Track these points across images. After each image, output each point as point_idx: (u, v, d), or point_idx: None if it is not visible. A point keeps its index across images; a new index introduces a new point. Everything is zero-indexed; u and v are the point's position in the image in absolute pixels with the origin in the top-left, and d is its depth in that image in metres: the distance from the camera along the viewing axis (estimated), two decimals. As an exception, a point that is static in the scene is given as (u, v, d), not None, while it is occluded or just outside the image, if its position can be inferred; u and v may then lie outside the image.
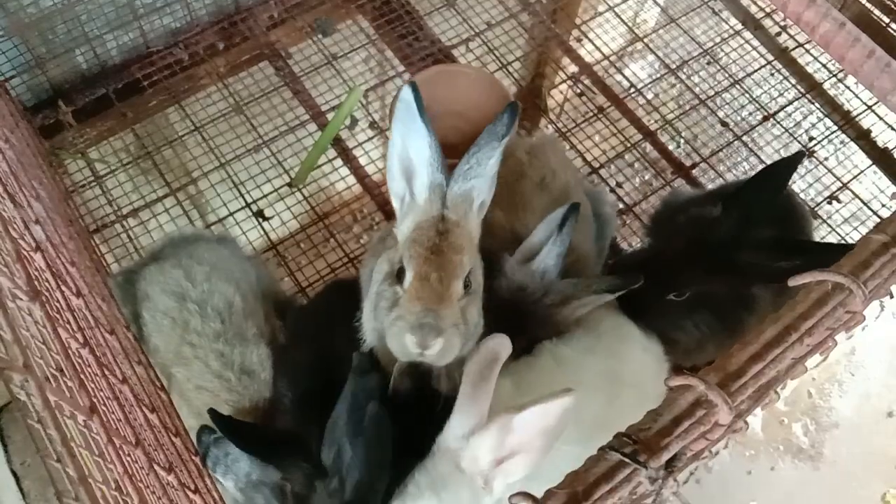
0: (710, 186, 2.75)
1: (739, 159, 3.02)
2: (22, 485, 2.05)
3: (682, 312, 1.97)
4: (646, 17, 3.33)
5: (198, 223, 2.62)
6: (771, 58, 3.12)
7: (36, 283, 1.10)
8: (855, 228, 2.72)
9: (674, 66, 3.06)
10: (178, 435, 1.51)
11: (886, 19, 2.79)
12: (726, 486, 2.63)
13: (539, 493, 0.84)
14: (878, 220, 2.67)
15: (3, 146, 1.64)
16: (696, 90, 3.02)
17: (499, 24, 3.00)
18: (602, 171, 2.77)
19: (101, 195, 2.56)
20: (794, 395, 2.82)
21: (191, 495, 1.29)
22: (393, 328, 1.49)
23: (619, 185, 2.81)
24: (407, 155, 1.56)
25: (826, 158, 2.94)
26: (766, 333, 0.97)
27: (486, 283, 1.70)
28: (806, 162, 2.92)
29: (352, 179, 2.70)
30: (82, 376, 1.07)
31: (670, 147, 2.92)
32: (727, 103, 3.06)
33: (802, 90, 3.05)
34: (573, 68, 3.03)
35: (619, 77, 3.04)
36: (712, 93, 3.02)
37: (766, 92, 3.08)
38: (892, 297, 1.21)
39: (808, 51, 3.14)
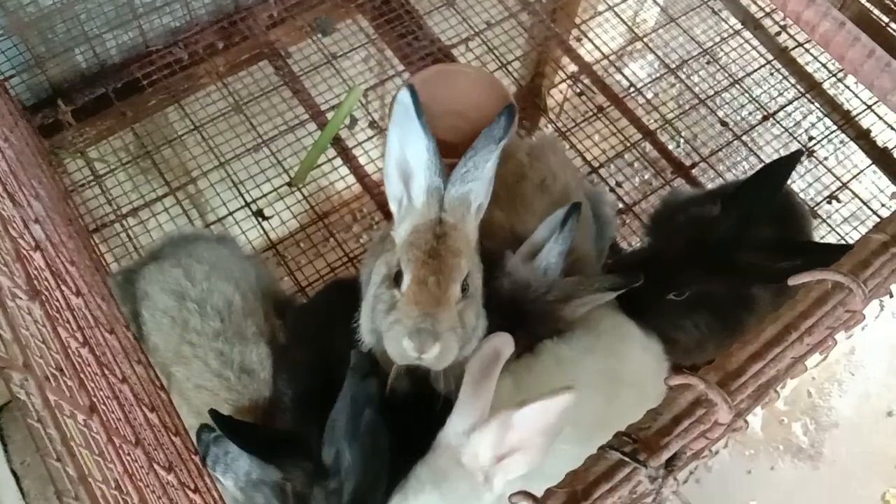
0: (709, 186, 2.75)
1: (739, 159, 3.02)
2: (22, 484, 2.05)
3: (681, 312, 1.97)
4: (645, 16, 3.33)
5: (197, 222, 2.62)
6: (770, 57, 3.11)
7: (35, 282, 1.10)
8: (855, 228, 2.72)
9: (673, 66, 3.06)
10: (178, 434, 1.51)
11: (886, 19, 2.79)
12: (726, 486, 2.63)
13: (539, 493, 0.84)
14: (877, 219, 2.68)
15: (3, 145, 1.64)
16: (696, 90, 3.02)
17: (498, 24, 3.00)
18: (602, 171, 2.77)
19: (100, 194, 2.56)
20: (794, 394, 2.82)
21: (191, 494, 1.29)
22: (390, 332, 1.49)
23: (618, 184, 2.81)
24: (404, 158, 1.56)
25: (826, 158, 2.94)
26: (766, 332, 0.97)
27: (488, 283, 1.71)
28: (805, 161, 2.92)
29: (351, 179, 2.70)
30: (82, 375, 1.07)
31: (670, 146, 2.92)
32: (727, 103, 3.06)
33: (802, 90, 3.05)
34: (573, 68, 3.03)
35: (618, 76, 3.04)
36: (712, 92, 3.02)
37: (765, 91, 3.08)
38: (891, 296, 1.21)
39: (807, 50, 3.14)
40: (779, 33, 3.20)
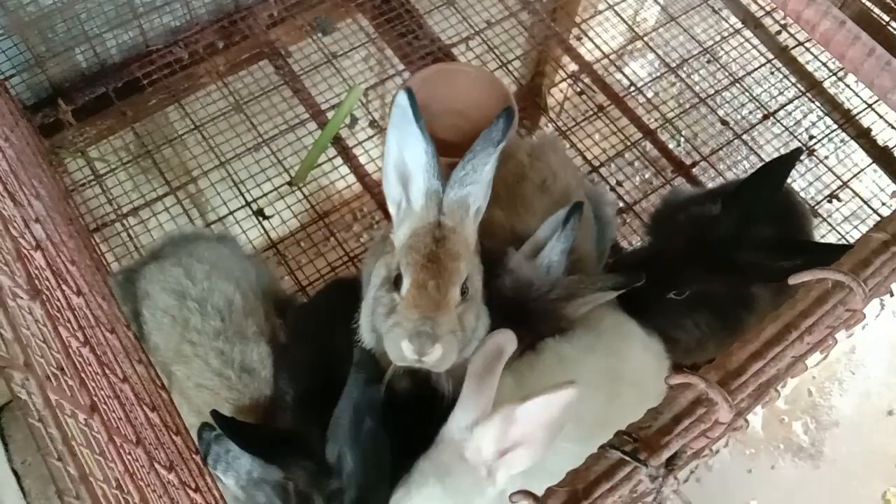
0: (710, 185, 2.75)
1: (739, 158, 3.02)
2: (23, 483, 2.05)
3: (681, 311, 1.97)
4: (646, 15, 3.32)
5: (198, 222, 2.62)
6: (771, 56, 3.11)
7: (36, 281, 1.10)
8: (855, 227, 2.72)
9: (674, 65, 3.06)
10: (179, 433, 1.52)
11: (886, 17, 2.79)
12: (727, 485, 2.63)
13: (539, 492, 0.84)
14: (878, 218, 2.68)
15: (3, 145, 1.64)
16: (696, 89, 3.01)
17: (499, 23, 3.00)
18: (602, 170, 2.77)
19: (100, 194, 2.56)
20: (795, 393, 2.82)
21: (191, 494, 1.29)
22: (390, 335, 1.49)
23: (619, 183, 2.81)
24: (403, 161, 1.56)
25: (826, 157, 2.94)
26: (767, 331, 0.97)
27: (489, 282, 1.71)
28: (806, 160, 2.92)
29: (352, 178, 2.70)
30: (83, 375, 1.07)
31: (670, 145, 2.92)
32: (727, 102, 3.06)
33: (802, 89, 3.05)
34: (573, 67, 3.03)
35: (619, 76, 3.03)
36: (712, 91, 3.02)
37: (766, 90, 3.08)
38: (892, 295, 1.21)
39: (808, 49, 3.14)
40: (779, 32, 3.20)
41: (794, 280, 1.03)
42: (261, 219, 2.58)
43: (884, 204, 2.86)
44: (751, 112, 3.05)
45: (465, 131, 2.31)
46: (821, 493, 2.67)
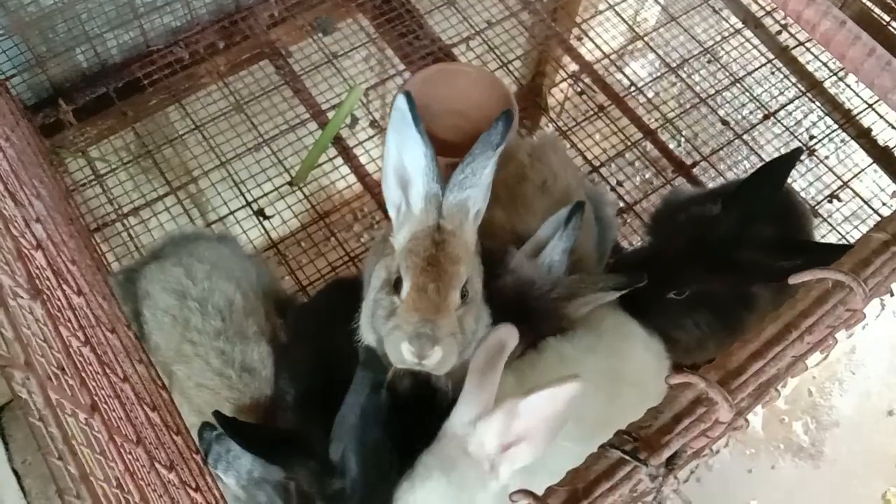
0: (710, 185, 2.75)
1: (740, 158, 3.02)
2: (23, 483, 2.05)
3: (682, 311, 1.97)
4: (646, 15, 3.33)
5: (198, 222, 2.62)
6: (771, 56, 3.11)
7: (37, 281, 1.10)
8: (855, 227, 2.72)
9: (674, 65, 3.06)
10: (179, 433, 1.52)
11: (887, 17, 2.79)
12: (727, 485, 2.63)
13: (540, 491, 0.84)
14: (878, 218, 2.68)
15: (4, 145, 1.64)
16: (697, 89, 3.01)
17: (499, 23, 3.00)
18: (602, 170, 2.77)
19: (101, 194, 2.56)
20: (795, 393, 2.82)
21: (192, 493, 1.29)
22: (390, 337, 1.50)
23: (619, 183, 2.81)
24: (402, 164, 1.56)
25: (826, 157, 2.94)
26: (767, 331, 0.97)
27: (490, 282, 1.71)
28: (806, 160, 2.92)
29: (352, 178, 2.70)
30: (83, 374, 1.07)
31: (671, 146, 2.92)
32: (728, 102, 3.06)
33: (803, 89, 3.05)
34: (573, 67, 3.03)
35: (619, 76, 3.03)
36: (713, 91, 3.02)
37: (766, 90, 3.08)
38: (892, 295, 1.21)
39: (808, 49, 3.14)
40: (779, 32, 3.20)
41: (794, 280, 1.03)
42: (261, 219, 2.58)
43: (884, 204, 2.86)
44: (751, 112, 3.05)
45: (465, 131, 2.31)
46: (821, 493, 2.67)
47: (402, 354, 1.47)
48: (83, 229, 2.34)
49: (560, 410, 1.33)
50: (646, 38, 3.13)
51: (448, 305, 1.48)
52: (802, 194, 2.74)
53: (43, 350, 1.01)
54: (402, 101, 1.52)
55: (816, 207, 2.75)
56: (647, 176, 3.01)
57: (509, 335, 1.49)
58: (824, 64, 3.13)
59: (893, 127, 2.98)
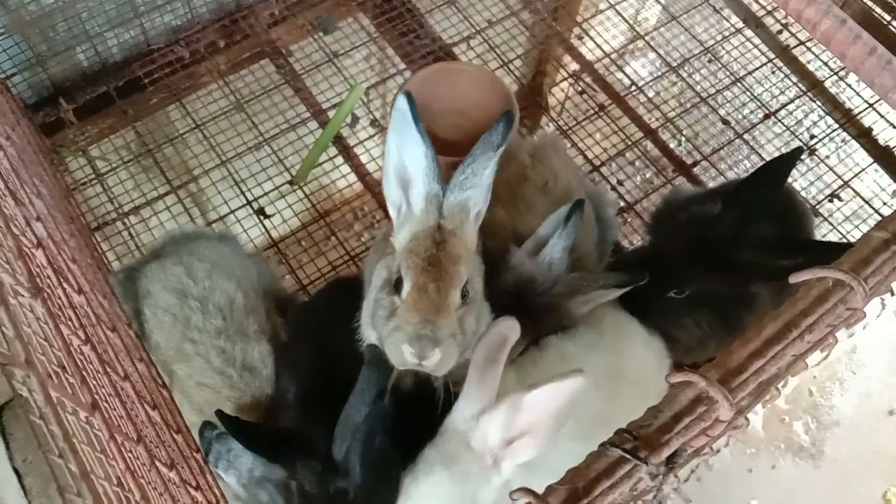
0: (711, 184, 2.74)
1: (740, 157, 3.02)
2: (24, 482, 2.05)
3: (682, 310, 1.97)
4: (647, 14, 3.32)
5: (199, 221, 2.62)
6: (772, 56, 3.11)
7: (38, 279, 1.10)
8: (856, 227, 2.72)
9: (675, 64, 3.06)
10: (180, 432, 1.51)
11: (888, 17, 2.79)
12: (727, 484, 2.64)
13: (540, 489, 0.84)
14: (879, 218, 2.67)
15: (5, 143, 1.64)
16: (698, 88, 3.01)
17: (500, 22, 3.00)
18: (603, 169, 2.77)
19: (102, 193, 2.56)
20: (796, 393, 2.82)
21: (192, 492, 1.29)
22: (391, 338, 1.50)
23: (619, 182, 2.81)
24: (403, 164, 1.56)
25: (827, 156, 2.94)
26: (767, 330, 0.97)
27: (491, 280, 1.71)
28: (807, 160, 2.92)
29: (353, 177, 2.70)
30: (84, 373, 1.07)
31: (671, 145, 2.92)
32: (728, 101, 3.06)
33: (803, 88, 3.05)
34: (574, 66, 3.03)
35: (620, 75, 3.03)
36: (713, 91, 3.02)
37: (767, 90, 3.08)
38: (893, 294, 1.22)
39: (809, 49, 3.14)
40: (780, 31, 3.20)
41: (794, 279, 1.03)
42: (262, 218, 2.58)
43: (885, 203, 2.86)
44: (752, 111, 3.05)
45: (466, 131, 2.31)
46: (821, 493, 2.67)
47: (403, 356, 1.47)
48: (84, 228, 2.34)
49: (563, 405, 1.34)
50: (646, 38, 3.13)
51: (448, 305, 1.48)
52: (803, 194, 2.74)
53: (43, 348, 1.01)
54: (402, 101, 1.52)
55: (817, 207, 2.75)
56: (647, 175, 3.01)
57: (510, 329, 1.49)
58: (825, 63, 3.13)
59: (894, 126, 2.98)
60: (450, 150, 1.96)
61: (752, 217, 1.88)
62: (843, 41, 2.17)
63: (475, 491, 1.41)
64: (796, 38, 3.16)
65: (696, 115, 2.97)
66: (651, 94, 3.00)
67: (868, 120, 3.00)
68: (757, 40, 3.15)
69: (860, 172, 2.87)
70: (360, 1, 2.99)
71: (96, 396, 1.05)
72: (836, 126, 2.97)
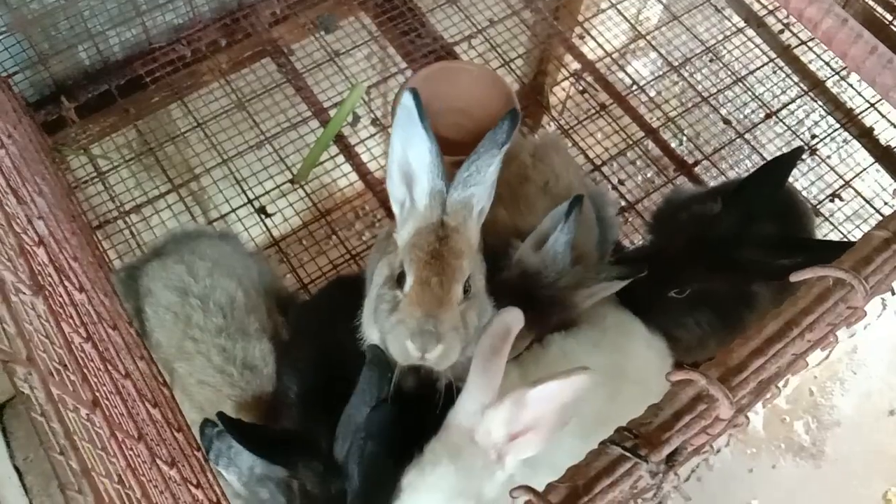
0: (712, 184, 2.74)
1: (742, 157, 3.02)
2: (25, 480, 2.06)
3: (683, 309, 1.98)
4: (648, 14, 3.32)
5: (200, 219, 2.62)
6: (773, 55, 3.11)
7: (39, 277, 1.10)
8: (857, 226, 2.72)
9: (676, 64, 3.05)
10: (181, 430, 1.52)
11: (889, 16, 2.79)
12: (728, 484, 2.63)
13: (542, 486, 0.84)
14: (880, 217, 2.67)
15: (6, 142, 1.64)
16: (699, 88, 3.01)
17: (501, 21, 3.00)
18: (604, 169, 2.77)
19: (103, 191, 2.57)
20: (796, 393, 2.82)
21: (193, 490, 1.29)
22: (393, 332, 1.50)
23: (621, 182, 2.82)
24: (407, 161, 1.56)
25: (828, 156, 2.94)
26: (768, 328, 0.97)
27: (494, 276, 1.71)
28: (808, 160, 2.92)
29: (354, 176, 2.70)
30: (85, 370, 1.08)
31: (672, 144, 2.92)
32: (729, 101, 3.06)
33: (805, 88, 3.05)
34: (575, 65, 3.03)
35: (621, 74, 3.03)
36: (715, 90, 3.02)
37: (768, 90, 3.08)
38: (893, 293, 1.21)
39: (810, 48, 3.13)
40: (782, 31, 3.20)
41: (795, 277, 1.03)
42: (263, 216, 2.58)
43: (886, 203, 2.86)
44: (753, 111, 3.05)
45: (467, 129, 2.31)
46: (822, 493, 2.67)
47: (406, 350, 1.47)
48: (85, 226, 2.34)
49: (567, 402, 1.34)
50: (648, 37, 3.13)
51: (451, 299, 1.49)
52: (804, 193, 2.74)
53: (45, 346, 1.02)
54: (408, 98, 1.52)
55: (818, 207, 2.75)
56: (648, 175, 3.01)
57: (514, 319, 1.49)
58: (826, 63, 3.13)
59: (895, 126, 2.98)
60: (451, 149, 1.96)
61: (753, 216, 1.88)
62: (844, 40, 2.17)
63: (479, 485, 1.41)
64: (798, 37, 3.16)
65: (698, 114, 2.97)
66: (652, 93, 3.00)
67: (869, 120, 3.00)
68: (758, 40, 3.15)
69: (861, 172, 2.87)
70: (362, 0, 2.98)
71: (97, 394, 1.05)
72: (838, 126, 2.97)
